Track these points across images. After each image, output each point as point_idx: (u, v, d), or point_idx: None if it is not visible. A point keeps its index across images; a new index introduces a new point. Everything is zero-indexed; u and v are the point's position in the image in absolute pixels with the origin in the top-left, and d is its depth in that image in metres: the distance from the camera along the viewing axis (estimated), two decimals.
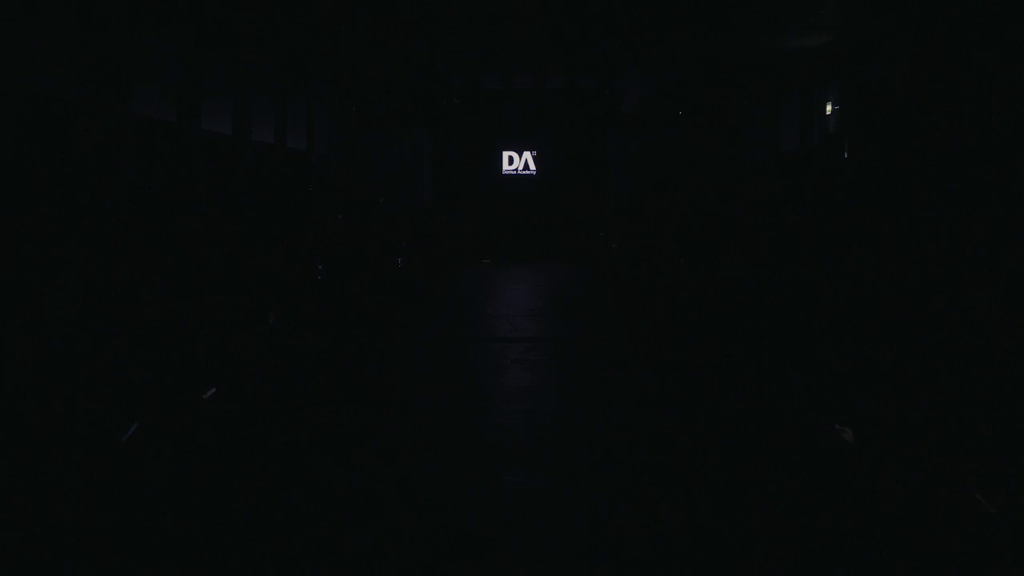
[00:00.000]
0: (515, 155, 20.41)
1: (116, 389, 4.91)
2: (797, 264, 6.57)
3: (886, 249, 5.75)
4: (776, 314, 6.15)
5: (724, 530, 4.49)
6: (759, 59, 13.68)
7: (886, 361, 5.42)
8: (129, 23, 7.70)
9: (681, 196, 10.43)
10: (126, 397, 4.94)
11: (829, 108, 12.35)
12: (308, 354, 7.62)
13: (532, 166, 20.39)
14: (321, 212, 10.30)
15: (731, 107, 18.95)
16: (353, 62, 14.97)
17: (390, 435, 6.23)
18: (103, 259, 5.21)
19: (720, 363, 7.26)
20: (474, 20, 12.58)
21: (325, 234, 8.41)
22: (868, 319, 5.68)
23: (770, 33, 11.39)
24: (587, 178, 19.95)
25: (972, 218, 5.51)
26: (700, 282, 6.96)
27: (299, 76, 15.07)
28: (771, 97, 15.58)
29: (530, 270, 18.42)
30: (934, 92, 7.23)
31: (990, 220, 5.40)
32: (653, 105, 18.14)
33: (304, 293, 7.15)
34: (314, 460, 5.56)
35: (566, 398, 7.18)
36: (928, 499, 4.39)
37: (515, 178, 20.30)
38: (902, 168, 6.91)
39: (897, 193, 6.34)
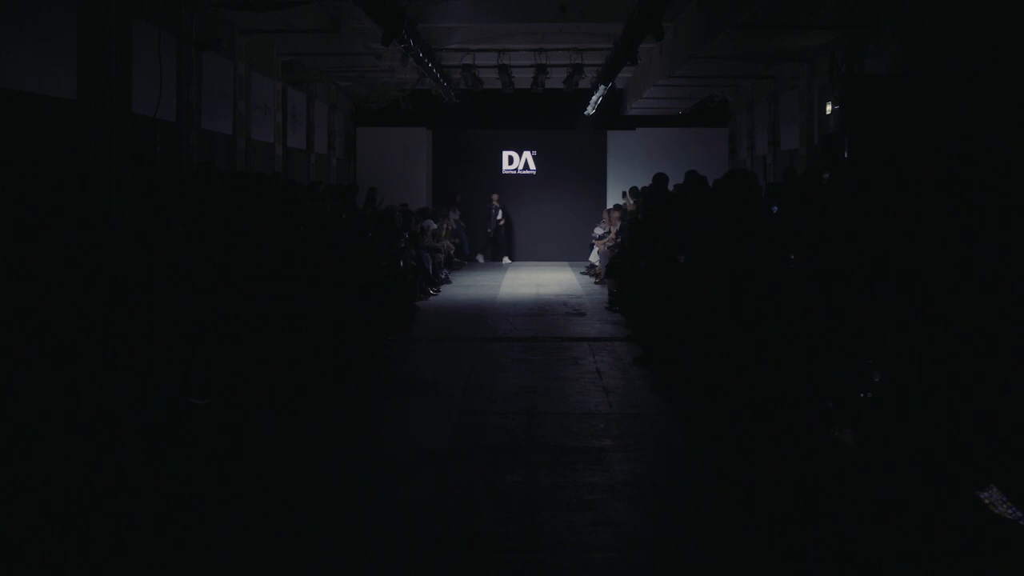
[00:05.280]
0: (515, 155, 20.38)
1: (113, 392, 4.91)
2: (796, 264, 6.56)
3: (886, 248, 5.74)
4: (776, 313, 6.15)
5: (723, 530, 4.49)
6: (758, 58, 13.65)
7: (887, 360, 5.42)
8: (129, 22, 7.68)
9: (681, 195, 10.42)
10: (123, 400, 4.94)
11: (829, 108, 12.33)
12: (306, 354, 7.61)
13: (532, 166, 20.36)
14: (320, 212, 10.30)
15: (730, 106, 18.94)
16: (353, 61, 14.94)
17: (387, 434, 6.24)
18: (101, 260, 5.21)
19: (720, 361, 7.26)
20: (474, 18, 12.55)
21: (324, 234, 8.40)
22: (868, 320, 5.67)
23: (770, 32, 11.36)
24: (587, 178, 19.92)
25: (973, 217, 5.51)
26: (699, 280, 6.96)
27: (299, 75, 15.06)
28: (770, 96, 15.56)
29: (530, 269, 18.44)
30: (932, 90, 7.22)
31: (991, 219, 5.40)
32: (653, 104, 18.12)
33: (304, 293, 7.14)
34: (308, 458, 5.57)
35: (566, 397, 7.19)
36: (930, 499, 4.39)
37: (515, 178, 20.28)
38: (902, 166, 6.90)
39: (897, 191, 6.34)
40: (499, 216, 19.29)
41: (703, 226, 7.15)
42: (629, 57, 12.11)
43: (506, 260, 19.55)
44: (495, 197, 19.27)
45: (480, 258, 19.59)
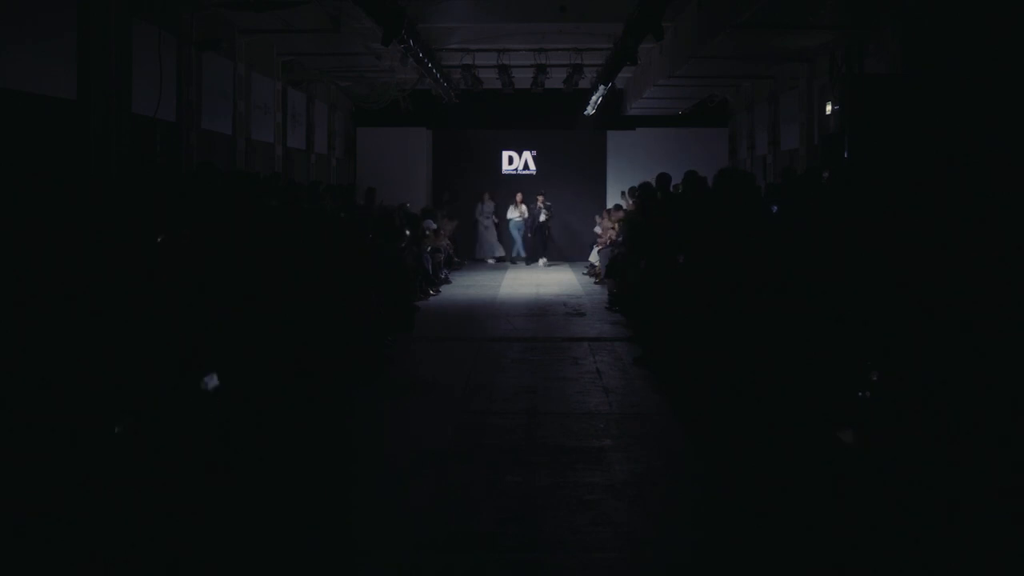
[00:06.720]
0: (515, 155, 20.38)
1: (115, 393, 4.91)
2: (795, 264, 6.57)
3: (884, 249, 5.74)
4: (776, 313, 6.15)
5: (723, 530, 4.49)
6: (758, 58, 13.65)
7: (886, 361, 5.42)
8: (129, 22, 7.68)
9: (681, 195, 10.43)
10: (124, 400, 4.93)
11: (829, 108, 12.33)
12: (306, 354, 7.61)
13: (532, 166, 20.36)
14: (320, 213, 10.31)
15: (730, 106, 18.94)
16: (353, 61, 14.95)
17: (387, 434, 6.24)
18: (102, 260, 5.20)
19: (720, 360, 7.26)
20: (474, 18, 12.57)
21: (324, 234, 8.39)
22: (867, 319, 5.68)
23: (770, 32, 11.36)
24: (587, 178, 19.91)
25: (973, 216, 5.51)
26: (699, 280, 6.97)
27: (299, 75, 15.06)
28: (770, 96, 15.56)
29: (530, 269, 18.45)
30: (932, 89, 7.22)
31: (991, 218, 5.40)
32: (653, 104, 18.13)
33: (304, 293, 7.14)
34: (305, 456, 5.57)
35: (566, 397, 7.20)
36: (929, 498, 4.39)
37: (515, 178, 20.26)
38: (902, 166, 6.91)
39: (896, 190, 6.34)
40: (543, 216, 18.90)
41: (703, 226, 7.15)
42: (629, 57, 12.11)
43: (543, 261, 19.02)
44: (540, 198, 18.90)
45: (541, 262, 18.86)
